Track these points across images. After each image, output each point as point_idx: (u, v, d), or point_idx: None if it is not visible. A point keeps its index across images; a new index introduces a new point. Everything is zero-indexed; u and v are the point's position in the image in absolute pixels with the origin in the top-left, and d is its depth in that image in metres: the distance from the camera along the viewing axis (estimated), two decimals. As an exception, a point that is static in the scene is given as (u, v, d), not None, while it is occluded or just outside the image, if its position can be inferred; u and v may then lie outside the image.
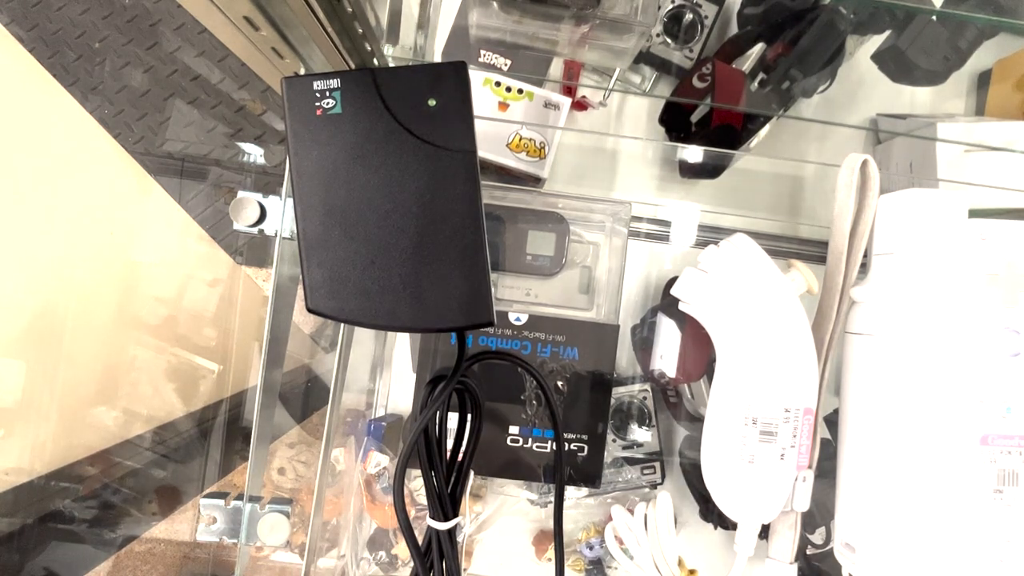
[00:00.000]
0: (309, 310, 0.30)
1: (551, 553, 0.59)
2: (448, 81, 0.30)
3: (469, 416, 0.37)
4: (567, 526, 0.58)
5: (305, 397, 0.61)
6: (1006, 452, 0.39)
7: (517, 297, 0.45)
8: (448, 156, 0.30)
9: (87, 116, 0.64)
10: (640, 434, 0.56)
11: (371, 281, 0.30)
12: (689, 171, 0.55)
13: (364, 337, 0.59)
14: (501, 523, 0.59)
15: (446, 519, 0.37)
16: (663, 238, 0.55)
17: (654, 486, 0.57)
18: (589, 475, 0.48)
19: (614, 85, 0.57)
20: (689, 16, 0.56)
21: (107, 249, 0.54)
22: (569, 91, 0.55)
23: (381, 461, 0.57)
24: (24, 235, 0.47)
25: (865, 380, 0.42)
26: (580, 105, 0.58)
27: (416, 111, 0.30)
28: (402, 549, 0.58)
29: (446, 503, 0.37)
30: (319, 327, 0.64)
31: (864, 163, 0.43)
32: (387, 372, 0.61)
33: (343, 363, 0.48)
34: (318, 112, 0.30)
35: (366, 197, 0.30)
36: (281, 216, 0.39)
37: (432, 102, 0.30)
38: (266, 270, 0.64)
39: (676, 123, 0.57)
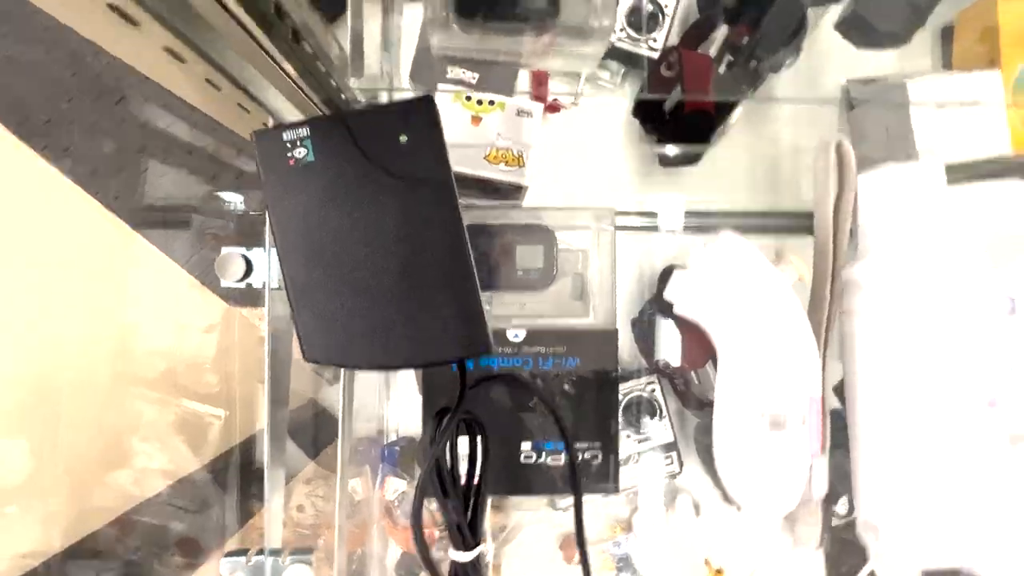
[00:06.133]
0: (307, 360, 0.30)
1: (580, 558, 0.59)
2: (417, 116, 0.30)
3: (479, 447, 0.37)
4: (593, 524, 0.58)
5: (315, 431, 0.61)
6: (1014, 412, 0.39)
7: (513, 312, 0.45)
8: (425, 189, 0.30)
9: (62, 178, 0.64)
10: (653, 426, 0.56)
11: (365, 323, 0.30)
12: (669, 160, 0.55)
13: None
14: (526, 533, 0.59)
15: (468, 549, 0.37)
16: (652, 228, 0.55)
17: (674, 476, 0.57)
18: (606, 480, 0.48)
19: (582, 88, 0.57)
20: (649, 7, 0.56)
21: (96, 310, 0.53)
22: (540, 85, 0.55)
23: (399, 486, 0.57)
24: (9, 308, 0.46)
25: (868, 357, 0.42)
26: (553, 107, 0.58)
27: (388, 149, 0.30)
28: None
29: (466, 534, 0.36)
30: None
31: (838, 145, 0.43)
32: (394, 396, 0.61)
33: (348, 393, 0.48)
34: (291, 162, 0.30)
35: (349, 240, 0.30)
36: (267, 268, 0.39)
37: (403, 138, 0.30)
38: (260, 309, 0.64)
39: (649, 114, 0.58)
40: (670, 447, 0.57)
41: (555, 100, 0.58)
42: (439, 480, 0.35)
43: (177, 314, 0.59)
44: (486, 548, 0.37)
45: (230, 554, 0.39)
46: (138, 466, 0.50)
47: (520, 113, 0.50)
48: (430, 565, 0.36)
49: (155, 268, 0.59)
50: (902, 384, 0.40)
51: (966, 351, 0.38)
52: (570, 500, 0.58)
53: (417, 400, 0.59)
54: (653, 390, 0.57)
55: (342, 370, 0.50)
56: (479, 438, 0.36)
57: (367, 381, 0.61)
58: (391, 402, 0.62)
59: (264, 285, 0.39)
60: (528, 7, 0.36)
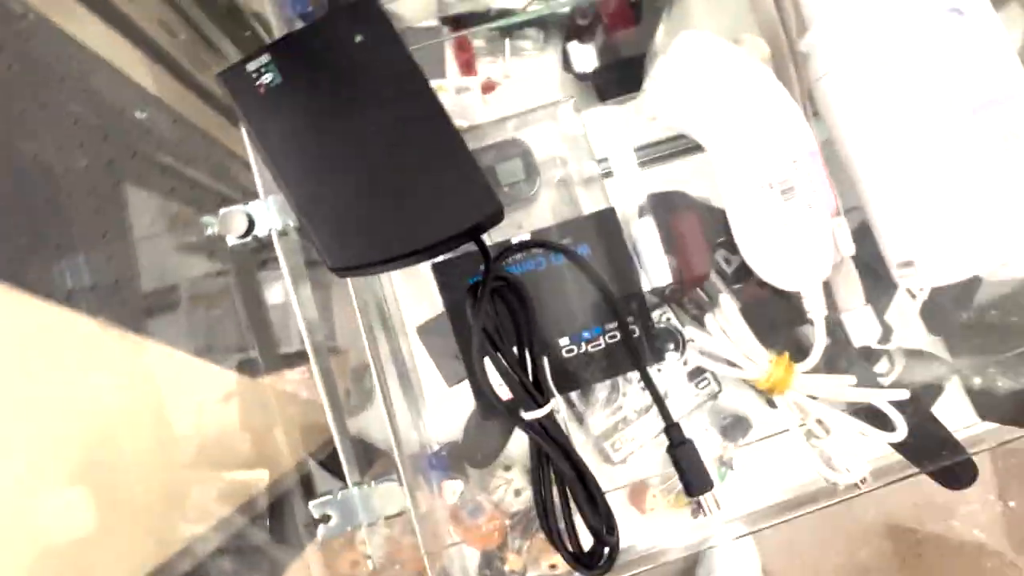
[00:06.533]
0: (333, 270, 0.30)
1: (652, 503, 0.58)
2: (364, 14, 0.31)
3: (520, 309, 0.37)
4: (652, 471, 0.58)
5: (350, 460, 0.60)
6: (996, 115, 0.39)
7: (512, 233, 0.45)
8: (392, 76, 0.31)
9: (56, 308, 0.63)
10: (678, 356, 0.56)
11: (376, 219, 0.31)
12: (609, 92, 0.56)
13: (392, 384, 0.59)
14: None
15: (539, 406, 0.36)
16: (608, 174, 0.56)
17: (714, 397, 0.57)
18: (646, 353, 0.48)
19: (509, 59, 0.59)
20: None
21: (124, 416, 0.53)
22: (467, 68, 0.57)
23: (456, 487, 0.56)
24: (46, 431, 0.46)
25: (850, 111, 0.43)
26: (488, 87, 0.60)
27: (348, 50, 0.31)
28: (514, 562, 0.57)
29: (532, 391, 0.36)
30: (343, 391, 0.64)
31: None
32: (424, 408, 0.61)
33: (388, 404, 0.48)
34: (262, 90, 0.31)
35: (339, 145, 0.31)
36: (269, 214, 0.39)
37: (358, 38, 0.31)
38: (270, 376, 0.64)
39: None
40: (699, 371, 0.57)
41: (487, 79, 0.60)
42: (492, 345, 0.34)
43: (192, 394, 0.59)
44: (557, 405, 0.37)
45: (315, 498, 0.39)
46: (193, 533, 0.49)
47: (460, 91, 0.51)
48: (508, 410, 0.36)
49: (161, 361, 0.59)
50: (887, 124, 0.41)
51: (934, 70, 0.39)
52: (625, 452, 0.58)
53: (446, 407, 0.59)
54: (668, 319, 0.57)
55: (376, 387, 0.50)
56: (516, 299, 0.37)
57: (394, 398, 0.61)
58: (423, 420, 0.62)
59: (270, 231, 0.39)
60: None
